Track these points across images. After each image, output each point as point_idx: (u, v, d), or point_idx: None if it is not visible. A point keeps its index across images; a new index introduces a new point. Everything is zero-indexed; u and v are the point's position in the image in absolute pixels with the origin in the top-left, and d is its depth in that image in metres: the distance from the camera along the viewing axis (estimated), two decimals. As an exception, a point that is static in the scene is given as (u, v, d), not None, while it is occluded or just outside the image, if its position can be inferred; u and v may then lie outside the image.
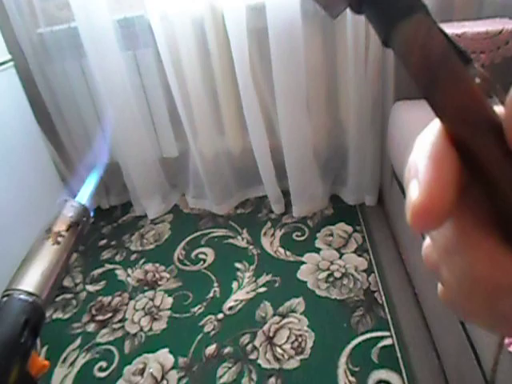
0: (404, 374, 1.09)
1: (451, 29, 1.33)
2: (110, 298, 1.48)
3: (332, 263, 1.49)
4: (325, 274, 1.45)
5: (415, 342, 1.17)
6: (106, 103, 1.67)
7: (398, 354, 1.14)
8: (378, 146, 1.63)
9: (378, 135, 1.62)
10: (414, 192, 0.14)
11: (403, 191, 1.31)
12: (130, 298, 1.47)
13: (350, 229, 1.64)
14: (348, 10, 0.19)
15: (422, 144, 0.16)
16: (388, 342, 1.18)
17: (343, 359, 1.14)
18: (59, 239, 0.31)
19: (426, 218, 0.14)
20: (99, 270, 1.62)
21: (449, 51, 0.14)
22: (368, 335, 1.21)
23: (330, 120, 1.73)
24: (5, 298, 0.27)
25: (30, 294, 0.28)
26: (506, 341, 0.65)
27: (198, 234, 1.75)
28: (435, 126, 0.16)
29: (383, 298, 1.33)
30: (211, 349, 1.24)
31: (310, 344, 1.20)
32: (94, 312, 1.43)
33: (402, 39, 0.14)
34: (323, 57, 1.62)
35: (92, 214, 0.36)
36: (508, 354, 0.63)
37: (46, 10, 1.63)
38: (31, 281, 0.28)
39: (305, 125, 1.63)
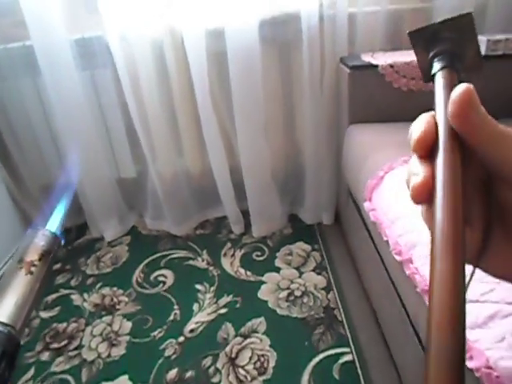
0: (364, 390, 1.11)
1: (401, 57, 1.42)
2: (65, 324, 1.43)
3: (292, 282, 1.51)
4: (285, 293, 1.46)
5: (374, 356, 1.21)
6: (61, 123, 1.64)
7: (359, 370, 1.17)
8: (334, 167, 1.69)
9: (334, 156, 1.68)
10: (416, 133, 0.26)
11: (359, 210, 1.36)
12: (87, 324, 1.42)
13: (308, 247, 1.68)
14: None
15: (419, 119, 0.27)
16: (348, 358, 1.21)
17: (305, 377, 1.16)
18: (32, 269, 0.31)
19: (422, 146, 0.25)
20: (53, 296, 1.55)
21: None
22: (329, 352, 1.23)
23: (287, 142, 1.78)
24: (-21, 331, 0.26)
25: (5, 325, 0.27)
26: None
27: (157, 255, 1.73)
28: (425, 116, 0.27)
29: (342, 314, 1.36)
30: (172, 373, 1.21)
31: (272, 364, 1.21)
32: (48, 340, 1.37)
33: (444, 73, 0.29)
34: (280, 81, 1.67)
35: (63, 241, 0.36)
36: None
37: (1, 27, 1.58)
38: (6, 312, 0.28)
39: (263, 146, 1.66)
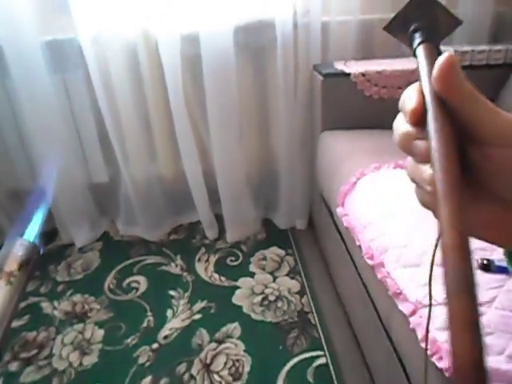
0: (337, 392, 1.13)
1: (372, 66, 1.46)
2: (34, 333, 1.38)
3: (266, 287, 1.52)
4: (259, 297, 1.47)
5: (348, 359, 1.23)
6: (31, 126, 1.60)
7: (333, 373, 1.19)
8: (308, 173, 1.72)
9: (308, 162, 1.70)
10: (411, 103, 0.28)
11: (331, 215, 1.38)
12: (58, 333, 1.38)
13: (282, 252, 1.69)
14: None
15: (410, 89, 0.29)
16: (322, 361, 1.23)
17: (280, 381, 1.17)
18: (11, 279, 0.31)
19: (417, 116, 0.27)
20: (22, 304, 1.51)
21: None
22: (303, 356, 1.25)
23: (261, 147, 1.80)
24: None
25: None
26: (429, 352, 0.71)
27: (130, 261, 1.70)
28: (415, 85, 0.29)
29: (316, 318, 1.38)
30: (147, 381, 1.20)
31: (247, 369, 1.21)
32: (17, 349, 1.32)
33: (422, 48, 0.31)
34: (254, 86, 1.69)
35: (41, 250, 0.36)
36: (434, 366, 0.69)
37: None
38: (-15, 323, 0.28)
39: (237, 151, 1.67)
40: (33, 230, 0.37)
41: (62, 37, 1.54)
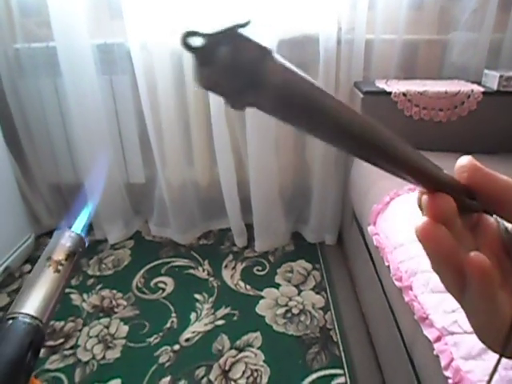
0: (355, 413, 1.12)
1: (414, 86, 1.45)
2: (62, 323, 1.44)
3: (290, 299, 1.52)
4: (283, 309, 1.47)
5: (367, 380, 1.21)
6: (76, 124, 1.67)
7: (351, 393, 1.17)
8: (341, 189, 1.71)
9: (342, 178, 1.70)
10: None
11: (362, 233, 1.37)
12: (84, 324, 1.43)
13: (309, 266, 1.69)
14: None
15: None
16: (341, 380, 1.21)
17: (297, 396, 1.16)
18: (59, 267, 0.33)
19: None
20: (53, 294, 1.57)
21: None
22: (322, 372, 1.24)
23: (296, 160, 1.80)
24: (10, 321, 0.28)
25: (33, 317, 0.29)
26: (451, 382, 0.70)
27: (159, 262, 1.74)
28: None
29: (338, 336, 1.36)
30: (165, 381, 1.22)
31: (265, 379, 1.21)
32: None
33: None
34: (294, 100, 1.70)
35: (87, 243, 0.38)
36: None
37: (26, 26, 1.62)
38: (34, 305, 0.30)
39: (272, 163, 1.69)
40: (80, 224, 0.39)
41: (113, 41, 1.61)
